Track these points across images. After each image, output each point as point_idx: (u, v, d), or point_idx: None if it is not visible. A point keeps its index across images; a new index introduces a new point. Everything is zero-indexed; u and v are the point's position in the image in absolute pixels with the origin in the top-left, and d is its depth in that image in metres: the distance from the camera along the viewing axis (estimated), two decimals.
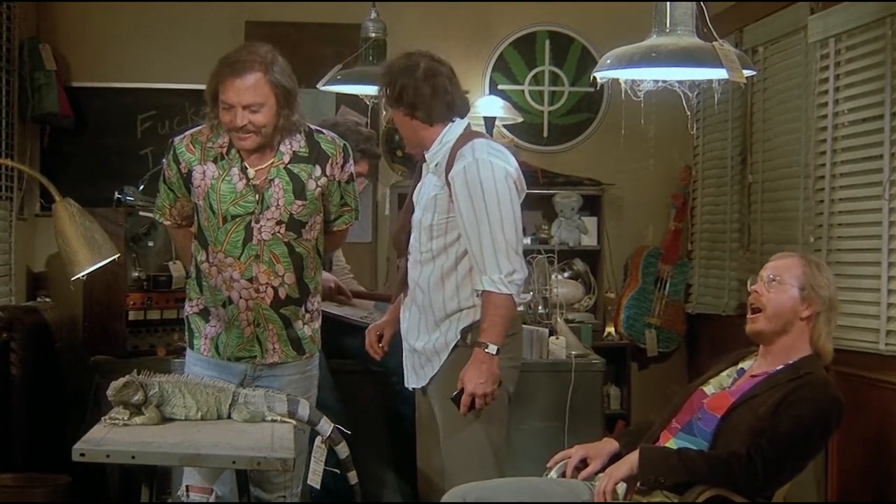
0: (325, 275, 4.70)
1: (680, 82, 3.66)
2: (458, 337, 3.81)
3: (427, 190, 3.86)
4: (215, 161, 3.69)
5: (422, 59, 3.82)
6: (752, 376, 3.42)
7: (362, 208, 5.18)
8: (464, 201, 3.70)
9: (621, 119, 5.92)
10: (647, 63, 3.43)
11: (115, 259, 3.71)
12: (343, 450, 3.37)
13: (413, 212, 3.92)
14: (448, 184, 3.75)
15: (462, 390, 3.67)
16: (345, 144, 3.82)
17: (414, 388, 3.98)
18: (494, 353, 3.66)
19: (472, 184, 3.69)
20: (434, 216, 3.79)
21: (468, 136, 3.86)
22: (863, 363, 4.62)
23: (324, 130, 3.81)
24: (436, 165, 3.84)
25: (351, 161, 3.84)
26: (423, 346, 3.86)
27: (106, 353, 5.25)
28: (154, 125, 6.34)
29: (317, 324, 3.88)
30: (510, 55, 6.76)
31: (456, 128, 3.86)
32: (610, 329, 6.59)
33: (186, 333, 3.89)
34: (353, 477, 3.42)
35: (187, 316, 3.87)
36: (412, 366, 3.94)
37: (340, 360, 4.70)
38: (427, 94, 3.79)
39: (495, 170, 3.70)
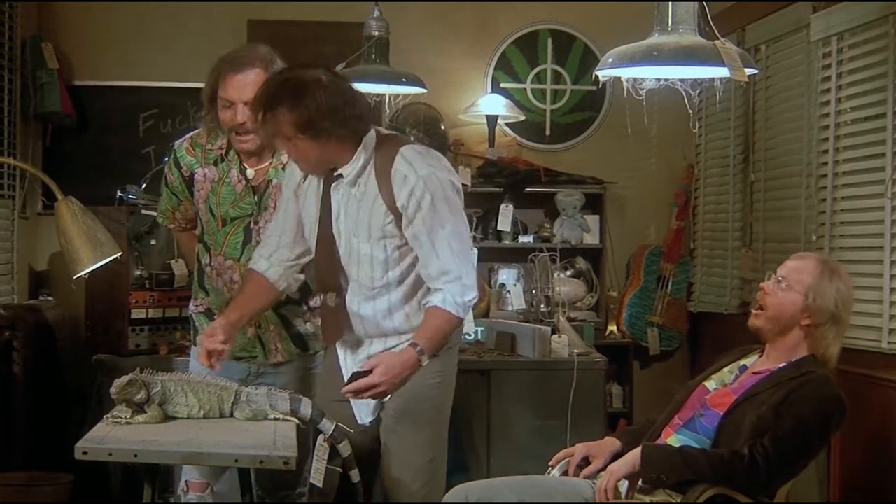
0: None
1: (682, 81, 3.65)
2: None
3: (362, 218, 3.45)
4: (215, 164, 3.70)
5: (311, 73, 3.38)
6: (755, 373, 3.42)
7: None
8: (421, 220, 3.39)
9: (624, 118, 5.92)
10: (649, 62, 3.43)
11: (117, 258, 3.72)
12: (345, 448, 3.37)
13: (331, 242, 3.51)
14: (393, 209, 3.41)
15: (367, 372, 3.36)
16: None
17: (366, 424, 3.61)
18: (424, 363, 3.41)
19: (432, 201, 3.38)
20: (387, 249, 3.46)
21: (388, 144, 3.48)
22: (865, 362, 4.61)
23: None
24: (356, 186, 3.45)
25: None
26: None
27: (108, 351, 5.26)
28: (156, 124, 6.34)
29: (318, 321, 3.88)
30: (512, 54, 6.75)
31: (368, 139, 3.45)
32: (612, 327, 6.59)
33: (191, 331, 3.91)
34: (355, 475, 3.42)
35: (191, 314, 3.89)
36: (365, 402, 3.56)
37: None
38: (339, 104, 3.35)
39: (443, 184, 3.41)
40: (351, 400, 3.51)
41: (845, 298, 3.38)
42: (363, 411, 3.60)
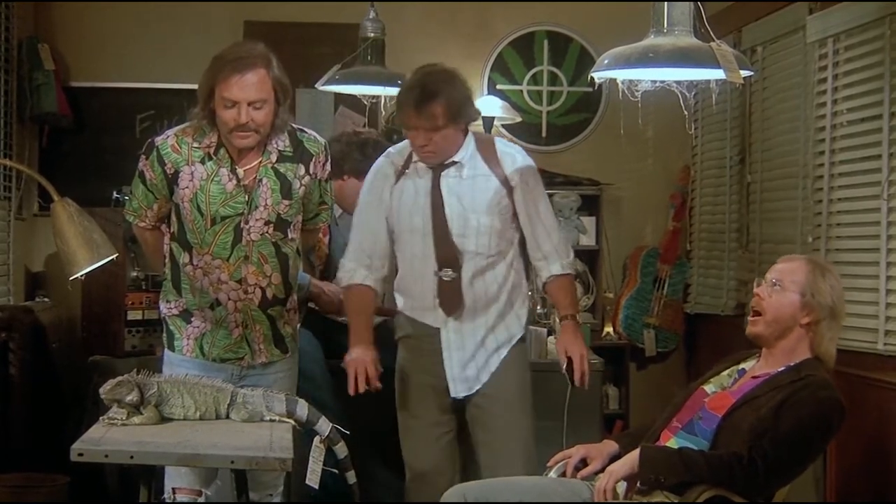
0: (334, 287, 4.70)
1: (678, 82, 3.65)
2: (523, 331, 4.04)
3: (478, 195, 3.89)
4: (202, 162, 3.65)
5: (444, 67, 3.94)
6: (754, 377, 3.42)
7: None
8: (530, 195, 3.93)
9: (620, 119, 5.92)
10: (645, 63, 3.42)
11: (113, 259, 3.70)
12: (341, 450, 3.37)
13: (445, 223, 3.89)
14: (506, 184, 3.90)
15: (570, 361, 3.88)
16: (325, 143, 3.82)
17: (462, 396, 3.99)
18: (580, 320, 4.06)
19: (534, 179, 3.96)
20: (500, 219, 3.91)
21: (480, 135, 4.08)
22: (861, 363, 4.62)
23: (306, 129, 3.80)
24: (467, 169, 3.90)
25: (329, 159, 3.83)
26: (486, 348, 3.97)
27: (104, 352, 5.27)
28: (153, 125, 6.33)
29: (296, 321, 3.88)
30: (509, 55, 6.76)
31: (469, 129, 3.99)
32: (608, 329, 6.60)
33: (165, 335, 3.83)
34: (351, 477, 3.42)
35: (165, 317, 3.82)
36: (461, 377, 3.96)
37: (340, 361, 4.70)
38: (468, 97, 3.91)
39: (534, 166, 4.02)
40: (448, 375, 3.95)
41: (839, 293, 3.41)
42: (460, 386, 3.96)
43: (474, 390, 3.97)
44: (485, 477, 3.81)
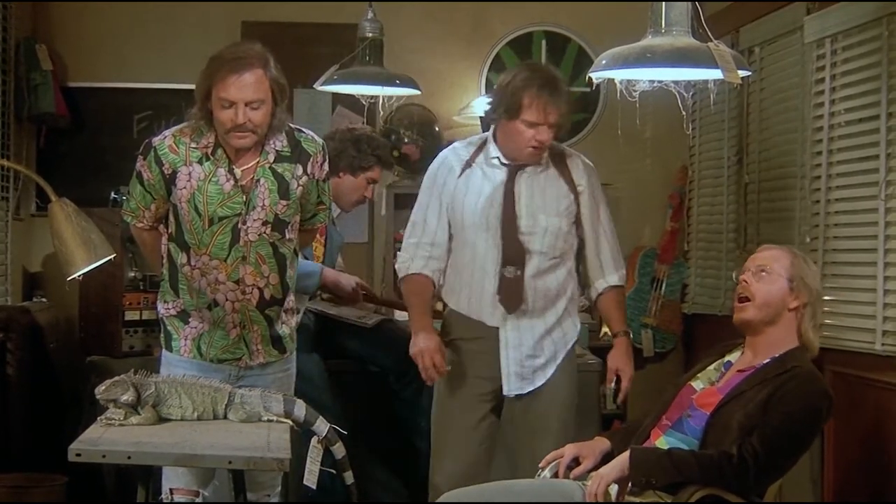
0: (347, 276, 4.70)
1: (676, 83, 3.65)
2: (578, 337, 4.15)
3: (549, 196, 3.98)
4: (200, 162, 3.64)
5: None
6: (739, 371, 3.43)
7: (359, 209, 5.20)
8: (594, 202, 4.06)
9: (618, 119, 5.92)
10: (643, 63, 3.43)
11: (111, 259, 3.71)
12: (339, 450, 3.37)
13: (514, 220, 3.94)
14: (572, 188, 4.01)
15: (618, 379, 4.03)
16: (323, 143, 3.81)
17: (512, 395, 4.03)
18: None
19: (598, 186, 4.10)
20: (566, 222, 3.99)
21: None
22: (859, 363, 4.62)
23: (304, 129, 3.79)
24: (542, 170, 3.99)
25: (327, 159, 3.83)
26: (543, 351, 4.01)
27: (102, 353, 5.27)
28: (150, 125, 6.32)
29: (293, 321, 3.87)
30: (507, 55, 6.75)
31: None
32: (606, 329, 6.57)
33: (162, 335, 3.82)
34: (349, 477, 3.42)
35: (163, 318, 3.81)
36: (518, 373, 3.99)
37: (339, 361, 4.70)
38: None
39: None
40: (504, 372, 3.97)
41: (820, 280, 3.50)
42: (514, 384, 3.99)
43: (526, 391, 3.99)
44: (519, 478, 3.79)
